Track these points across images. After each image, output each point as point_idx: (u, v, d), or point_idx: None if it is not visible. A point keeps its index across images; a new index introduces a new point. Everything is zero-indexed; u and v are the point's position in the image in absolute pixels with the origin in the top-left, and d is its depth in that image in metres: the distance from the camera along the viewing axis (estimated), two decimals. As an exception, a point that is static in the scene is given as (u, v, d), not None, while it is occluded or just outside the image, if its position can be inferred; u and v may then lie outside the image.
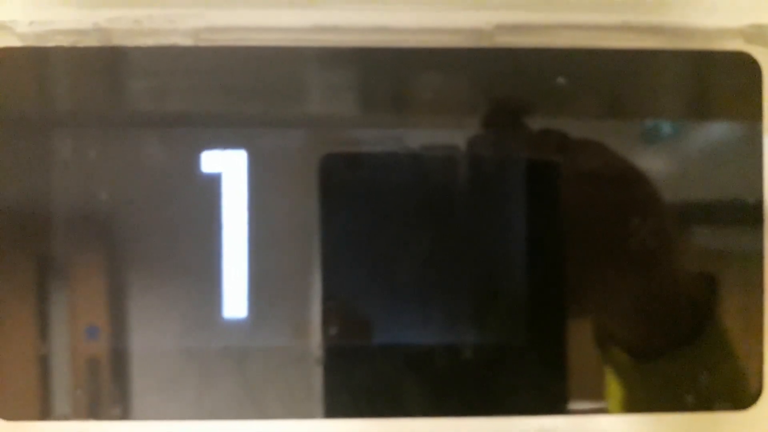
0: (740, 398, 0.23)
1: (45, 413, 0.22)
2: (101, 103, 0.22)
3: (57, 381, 0.22)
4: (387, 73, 0.22)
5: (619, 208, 0.23)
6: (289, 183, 0.22)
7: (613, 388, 0.23)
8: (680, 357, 0.23)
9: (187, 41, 0.22)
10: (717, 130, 0.23)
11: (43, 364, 0.22)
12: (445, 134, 0.22)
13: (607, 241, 0.23)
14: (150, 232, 0.22)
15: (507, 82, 0.23)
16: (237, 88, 0.22)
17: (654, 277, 0.23)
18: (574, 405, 0.23)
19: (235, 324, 0.22)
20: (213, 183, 0.22)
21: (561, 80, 0.22)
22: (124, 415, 0.22)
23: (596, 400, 0.23)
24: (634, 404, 0.23)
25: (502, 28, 0.22)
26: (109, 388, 0.22)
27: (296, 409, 0.22)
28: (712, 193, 0.23)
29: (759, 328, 0.23)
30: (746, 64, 0.23)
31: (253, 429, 0.22)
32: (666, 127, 0.23)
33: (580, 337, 0.23)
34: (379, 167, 0.22)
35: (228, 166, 0.22)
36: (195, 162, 0.22)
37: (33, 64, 0.22)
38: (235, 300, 0.22)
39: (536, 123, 0.23)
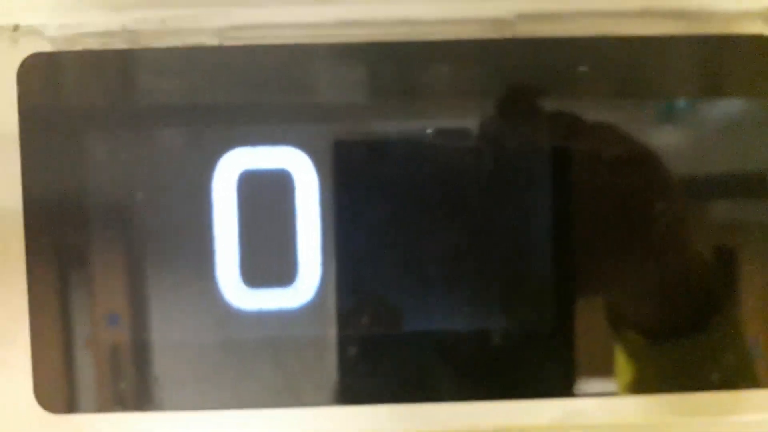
0: (764, 376, 0.23)
1: (82, 403, 0.23)
2: (131, 102, 0.23)
3: (89, 370, 0.23)
4: (410, 66, 0.23)
5: (637, 190, 0.23)
6: (320, 176, 0.23)
7: (633, 368, 0.23)
8: (704, 335, 0.23)
9: (212, 40, 0.23)
10: (738, 112, 0.23)
11: (73, 355, 0.23)
12: (469, 124, 0.23)
13: (630, 222, 0.23)
14: (182, 225, 0.22)
15: (529, 72, 0.23)
16: (263, 85, 0.23)
17: (677, 258, 0.23)
18: (601, 387, 0.23)
19: (269, 315, 0.23)
20: (246, 178, 0.23)
21: (583, 68, 0.23)
22: (159, 405, 0.23)
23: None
24: (661, 384, 0.23)
25: (523, 18, 0.22)
26: (144, 379, 0.23)
27: (327, 397, 0.23)
28: (733, 173, 0.23)
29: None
30: (766, 46, 0.23)
31: (283, 417, 0.23)
32: (687, 109, 0.23)
33: (608, 322, 0.23)
34: (403, 157, 0.23)
35: (255, 163, 0.23)
36: (226, 158, 0.23)
37: (63, 68, 0.23)
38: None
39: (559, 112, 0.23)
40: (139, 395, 0.23)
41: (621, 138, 0.23)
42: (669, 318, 0.23)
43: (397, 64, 0.23)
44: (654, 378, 0.23)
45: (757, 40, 0.23)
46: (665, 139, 0.23)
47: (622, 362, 0.23)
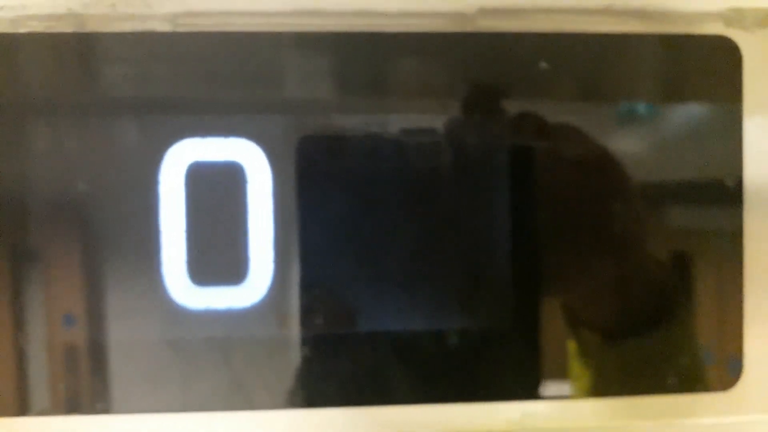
0: (720, 379, 0.23)
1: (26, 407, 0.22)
2: (76, 90, 0.22)
3: (35, 373, 0.22)
4: (369, 58, 0.22)
5: (596, 192, 0.23)
6: (274, 169, 0.22)
7: (589, 371, 0.23)
8: (658, 338, 0.23)
9: (164, 27, 0.22)
10: (698, 113, 0.23)
11: (23, 356, 0.22)
12: (428, 119, 0.22)
13: (588, 224, 0.23)
14: (127, 220, 0.22)
15: (490, 67, 0.23)
16: (216, 74, 0.22)
17: (634, 259, 0.23)
18: (557, 390, 0.23)
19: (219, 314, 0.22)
20: (195, 171, 0.22)
21: (543, 64, 0.22)
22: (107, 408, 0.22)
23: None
24: (618, 387, 0.23)
25: (484, 12, 0.22)
26: (92, 381, 0.22)
27: (282, 400, 0.22)
28: (692, 175, 0.23)
29: (738, 309, 0.23)
30: (726, 47, 0.23)
31: (239, 420, 0.22)
32: (647, 110, 0.23)
33: (564, 321, 0.23)
34: (362, 152, 0.22)
35: (209, 154, 0.22)
36: (175, 150, 0.22)
37: (5, 51, 0.21)
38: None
39: (519, 108, 0.23)
40: (85, 398, 0.22)
41: (581, 138, 0.23)
42: (624, 318, 0.23)
43: (356, 55, 0.22)
44: (610, 381, 0.23)
45: (717, 40, 0.23)
46: (624, 139, 0.23)
47: (578, 365, 0.23)
